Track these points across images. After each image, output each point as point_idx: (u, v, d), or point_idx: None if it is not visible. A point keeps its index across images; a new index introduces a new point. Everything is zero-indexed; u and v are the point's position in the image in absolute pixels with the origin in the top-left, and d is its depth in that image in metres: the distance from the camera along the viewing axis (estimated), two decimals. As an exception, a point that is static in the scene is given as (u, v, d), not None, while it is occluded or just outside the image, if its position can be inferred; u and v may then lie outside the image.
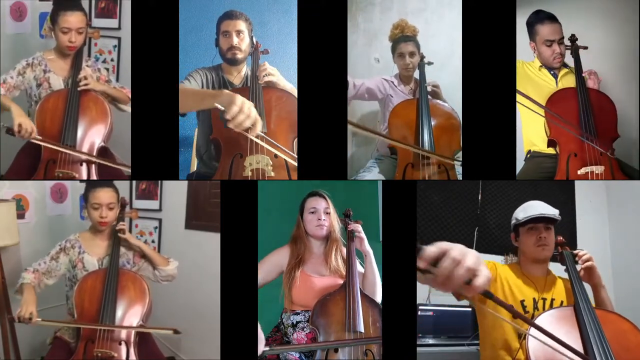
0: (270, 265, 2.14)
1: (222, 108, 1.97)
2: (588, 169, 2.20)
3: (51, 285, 2.28)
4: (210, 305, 2.28)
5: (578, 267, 1.94)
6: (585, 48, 2.34)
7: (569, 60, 2.39)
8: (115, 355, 2.08)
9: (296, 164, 2.15)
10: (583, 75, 2.32)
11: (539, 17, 2.35)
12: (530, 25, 2.37)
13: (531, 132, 2.39)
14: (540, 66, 2.38)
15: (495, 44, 2.25)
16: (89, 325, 2.11)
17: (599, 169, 2.20)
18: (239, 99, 1.97)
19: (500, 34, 2.25)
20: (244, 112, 1.96)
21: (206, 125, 2.26)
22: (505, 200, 3.21)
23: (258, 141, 2.07)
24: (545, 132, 2.32)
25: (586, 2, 2.52)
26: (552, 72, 2.39)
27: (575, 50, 2.33)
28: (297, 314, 2.07)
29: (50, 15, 2.28)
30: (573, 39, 2.35)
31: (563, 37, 2.35)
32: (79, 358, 2.07)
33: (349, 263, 2.05)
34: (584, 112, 2.23)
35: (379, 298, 2.05)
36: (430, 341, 2.73)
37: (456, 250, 1.11)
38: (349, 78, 2.33)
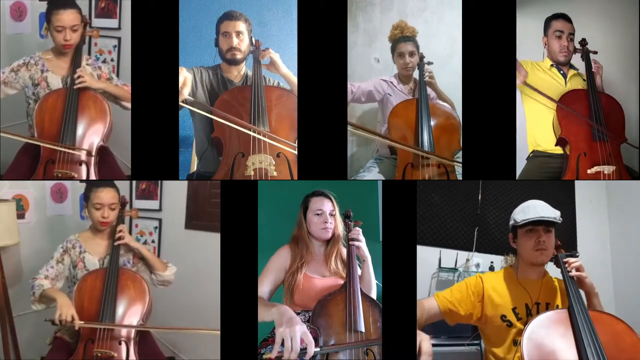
0: (276, 272, 2.11)
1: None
2: (599, 168, 2.20)
3: (60, 289, 2.25)
4: (210, 305, 2.28)
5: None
6: (595, 52, 2.36)
7: (579, 64, 2.41)
8: (115, 355, 2.07)
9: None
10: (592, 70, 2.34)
11: (556, 15, 2.39)
12: (547, 20, 2.40)
13: (536, 131, 2.40)
14: (551, 65, 2.41)
15: (495, 44, 2.25)
16: (137, 326, 2.11)
17: (609, 169, 2.19)
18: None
19: (500, 34, 2.26)
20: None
21: (206, 123, 2.26)
22: (505, 200, 3.21)
23: (263, 138, 2.07)
24: (554, 130, 2.31)
25: (586, 3, 2.52)
26: (561, 72, 2.41)
27: (585, 53, 2.35)
28: (298, 314, 2.06)
29: (45, 15, 2.26)
30: (584, 42, 2.37)
31: (573, 34, 2.37)
32: (78, 358, 2.07)
33: (349, 263, 2.04)
34: (596, 114, 2.23)
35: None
36: (431, 341, 2.72)
37: None
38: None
